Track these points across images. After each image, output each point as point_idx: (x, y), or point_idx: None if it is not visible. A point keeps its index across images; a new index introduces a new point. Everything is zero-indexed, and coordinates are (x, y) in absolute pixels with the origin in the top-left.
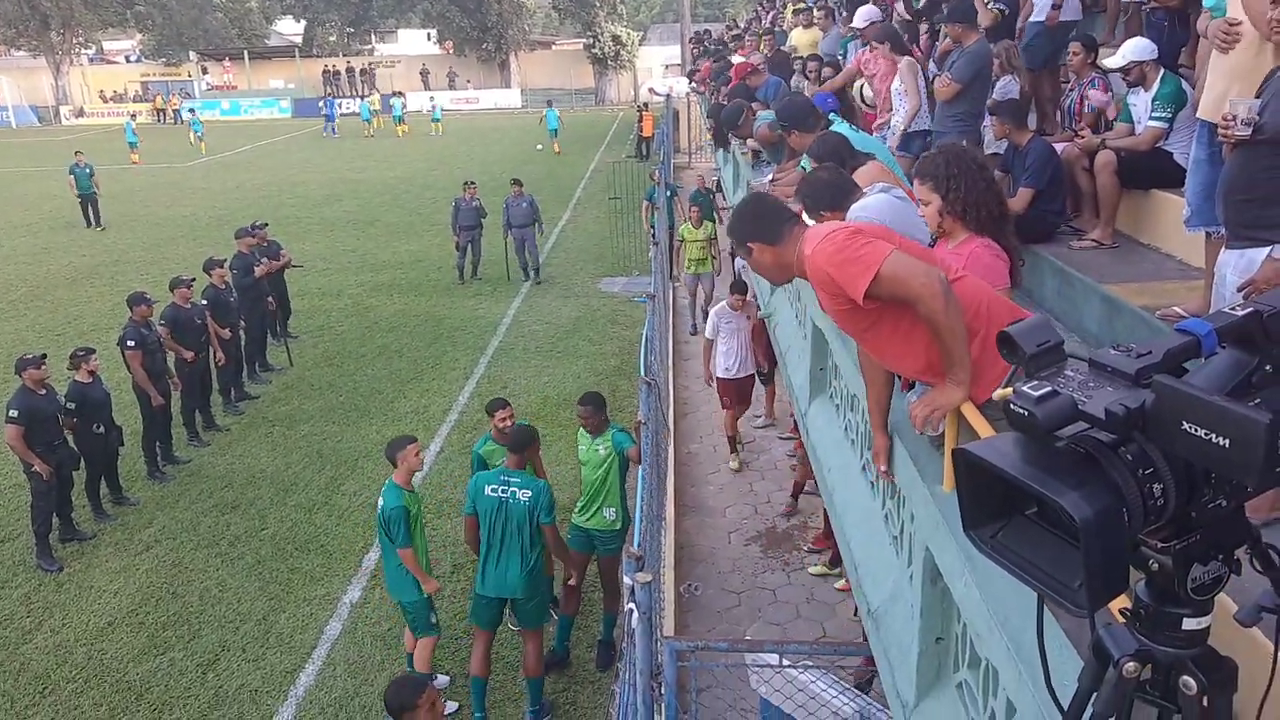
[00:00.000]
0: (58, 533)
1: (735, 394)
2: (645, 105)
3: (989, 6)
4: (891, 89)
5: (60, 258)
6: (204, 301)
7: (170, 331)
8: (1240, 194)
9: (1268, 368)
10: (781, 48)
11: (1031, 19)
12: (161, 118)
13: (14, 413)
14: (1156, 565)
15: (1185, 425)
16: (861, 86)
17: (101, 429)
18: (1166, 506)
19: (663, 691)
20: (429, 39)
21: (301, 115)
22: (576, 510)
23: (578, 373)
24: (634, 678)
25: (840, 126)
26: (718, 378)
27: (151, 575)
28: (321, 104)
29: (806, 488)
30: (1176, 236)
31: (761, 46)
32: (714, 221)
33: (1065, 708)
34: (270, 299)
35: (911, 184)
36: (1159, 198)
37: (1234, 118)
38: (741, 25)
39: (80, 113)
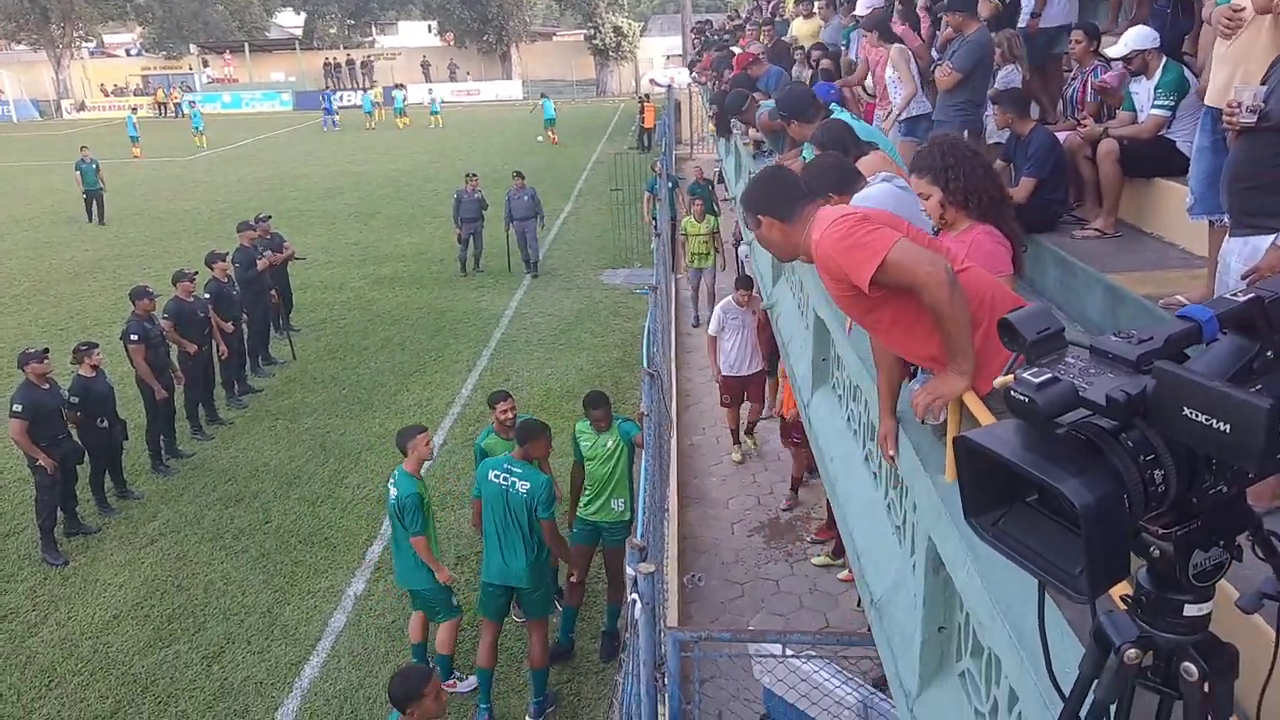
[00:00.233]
0: (63, 526)
1: (738, 391)
2: (646, 96)
3: None
4: (886, 77)
5: (63, 252)
6: (206, 295)
7: (174, 325)
8: (1245, 181)
9: (1269, 354)
10: (782, 38)
11: (1019, 23)
12: (163, 111)
13: (18, 407)
14: (1158, 552)
15: (1186, 411)
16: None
17: (105, 423)
18: (1168, 493)
19: (666, 682)
20: (429, 31)
21: (303, 108)
22: (582, 504)
23: (580, 365)
24: (637, 668)
25: (842, 115)
26: (722, 375)
27: (156, 568)
28: (321, 97)
29: (807, 480)
30: (1179, 225)
31: (761, 36)
32: (716, 215)
33: (1067, 695)
34: (273, 292)
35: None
36: (1162, 186)
37: (1239, 104)
38: (743, 15)
39: (81, 106)
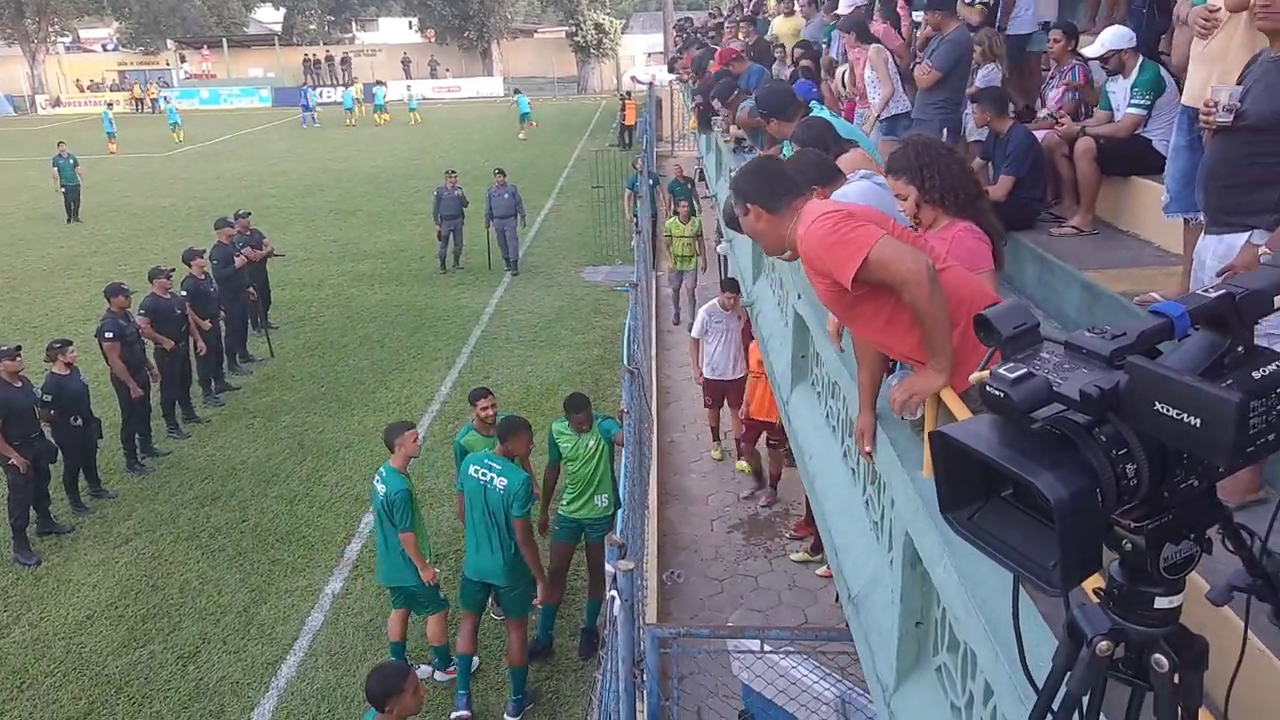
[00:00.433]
0: (35, 526)
1: (719, 395)
2: (628, 94)
3: (973, 5)
4: (865, 77)
5: (37, 249)
6: (184, 293)
7: (151, 322)
8: (1221, 180)
9: (1240, 349)
10: (764, 36)
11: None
12: (139, 107)
13: None
14: (1130, 545)
15: (1157, 406)
16: (843, 74)
17: (79, 421)
18: (1140, 487)
19: (645, 679)
20: (410, 27)
21: (281, 104)
22: (565, 503)
23: (561, 362)
24: (616, 665)
25: (822, 113)
26: (705, 378)
27: (131, 568)
28: (300, 94)
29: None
30: (1155, 223)
31: (740, 34)
32: (697, 214)
33: (1040, 687)
34: (251, 289)
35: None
36: (1138, 184)
37: (1215, 104)
38: (724, 13)
39: (57, 102)
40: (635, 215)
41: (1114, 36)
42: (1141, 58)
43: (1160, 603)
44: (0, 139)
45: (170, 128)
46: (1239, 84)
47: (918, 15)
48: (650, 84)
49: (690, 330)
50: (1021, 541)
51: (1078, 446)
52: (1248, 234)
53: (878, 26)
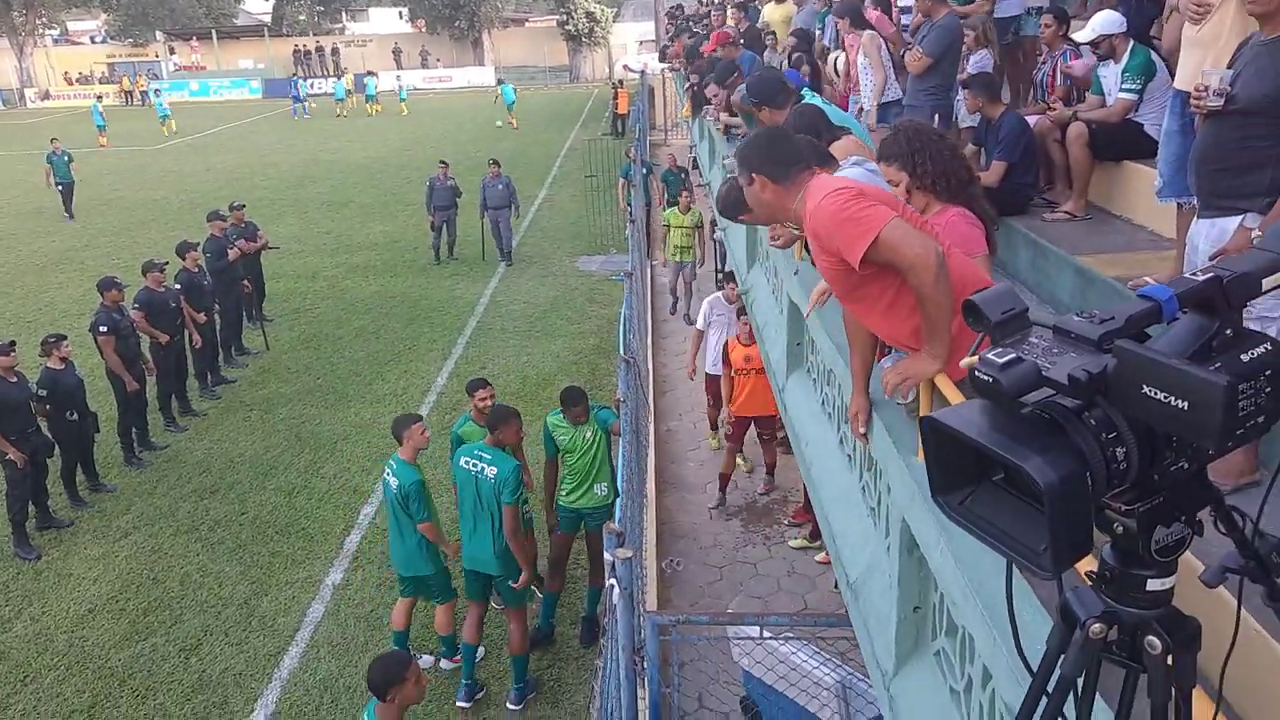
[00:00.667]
0: (35, 521)
1: (718, 389)
2: (620, 82)
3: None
4: (857, 64)
5: (29, 243)
6: (177, 286)
7: (145, 315)
8: (1213, 164)
9: (1228, 332)
10: (755, 24)
11: None
12: (129, 100)
13: None
14: (1121, 528)
15: (1145, 389)
16: (835, 60)
17: (75, 416)
18: (1129, 470)
19: (645, 666)
20: (400, 17)
21: (272, 96)
22: (564, 493)
23: (557, 352)
24: (616, 653)
25: (814, 100)
26: (706, 373)
27: (131, 561)
28: (291, 84)
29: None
30: (1148, 207)
31: (729, 20)
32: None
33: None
34: (246, 282)
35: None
36: (1130, 169)
37: (1206, 88)
38: (715, 0)
39: (46, 95)
40: (629, 204)
41: (1104, 21)
42: (1132, 42)
43: (1152, 585)
44: None
45: (160, 120)
46: (1229, 68)
47: (908, 1)
48: (642, 72)
49: (695, 322)
50: (1012, 525)
51: (1067, 431)
52: (1240, 217)
53: (871, 13)
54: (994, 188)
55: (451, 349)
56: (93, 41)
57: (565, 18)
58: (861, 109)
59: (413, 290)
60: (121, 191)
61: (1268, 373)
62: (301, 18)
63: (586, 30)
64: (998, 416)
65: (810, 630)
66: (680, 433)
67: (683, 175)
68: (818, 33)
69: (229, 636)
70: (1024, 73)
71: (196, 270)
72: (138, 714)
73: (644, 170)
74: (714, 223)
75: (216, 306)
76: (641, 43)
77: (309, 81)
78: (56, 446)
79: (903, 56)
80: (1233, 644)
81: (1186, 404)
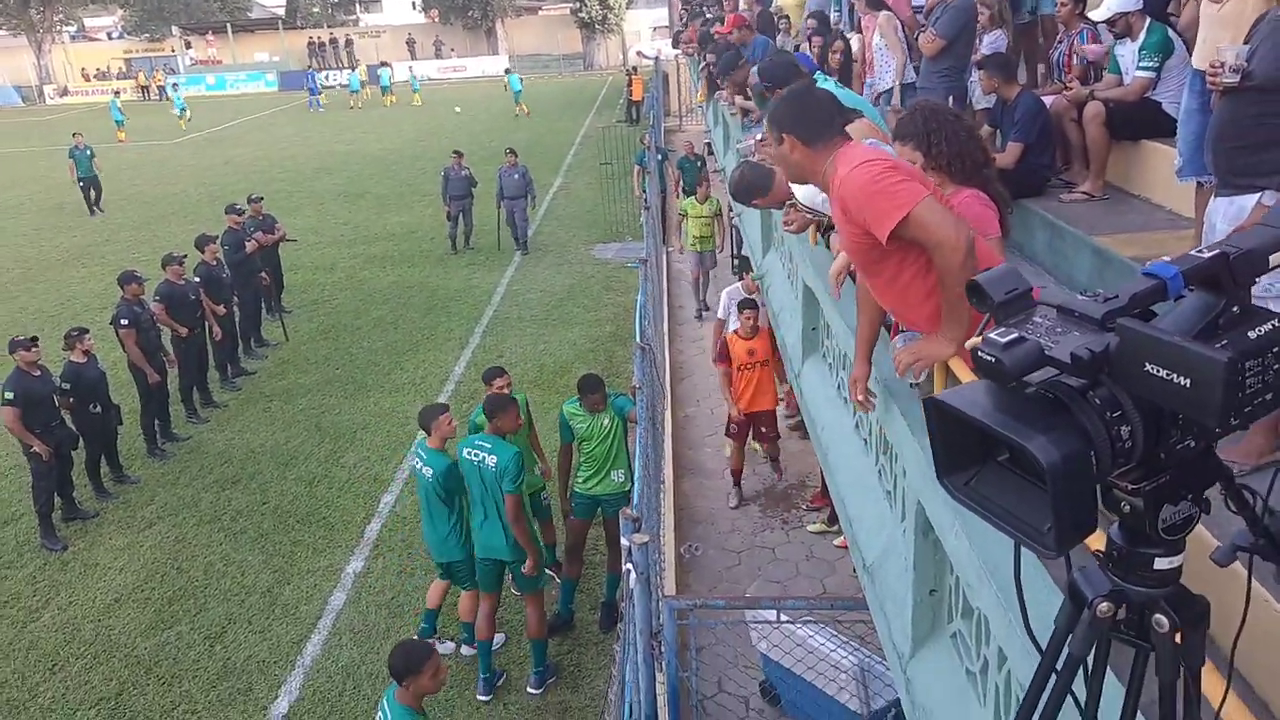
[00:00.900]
0: (60, 512)
1: None
2: (634, 69)
3: None
4: (873, 45)
5: (51, 238)
6: (197, 279)
7: (166, 308)
8: (1229, 141)
9: (1235, 309)
10: (768, 8)
11: None
12: (146, 94)
13: (9, 395)
14: (1128, 507)
15: (1148, 367)
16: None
17: (99, 408)
18: (1135, 448)
19: (662, 650)
20: (414, 7)
21: (288, 88)
22: (581, 480)
23: (574, 340)
24: (634, 637)
25: (826, 84)
26: None
27: (155, 551)
28: (306, 77)
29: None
30: (1166, 186)
31: (741, 4)
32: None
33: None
34: (264, 274)
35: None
36: (1148, 148)
37: (1222, 64)
38: None
39: (64, 91)
40: (644, 191)
41: None
42: (1149, 19)
43: (1160, 564)
44: (9, 130)
45: (178, 115)
46: (1245, 43)
47: None
48: (656, 58)
49: (710, 312)
50: (1017, 505)
51: (1071, 410)
52: (1258, 195)
53: None
54: (1010, 169)
55: (469, 338)
56: (109, 37)
57: (578, 5)
58: (879, 94)
59: (430, 280)
60: (141, 186)
61: (1276, 349)
62: (315, 9)
63: (600, 17)
64: (1001, 396)
65: (828, 614)
66: (698, 418)
67: (699, 163)
68: (834, 16)
69: (252, 624)
70: (1042, 52)
71: (215, 263)
72: (164, 701)
73: (659, 157)
74: (730, 208)
75: (235, 299)
76: (655, 29)
77: (324, 74)
78: (80, 439)
79: (916, 38)
80: (1242, 622)
81: (1188, 381)
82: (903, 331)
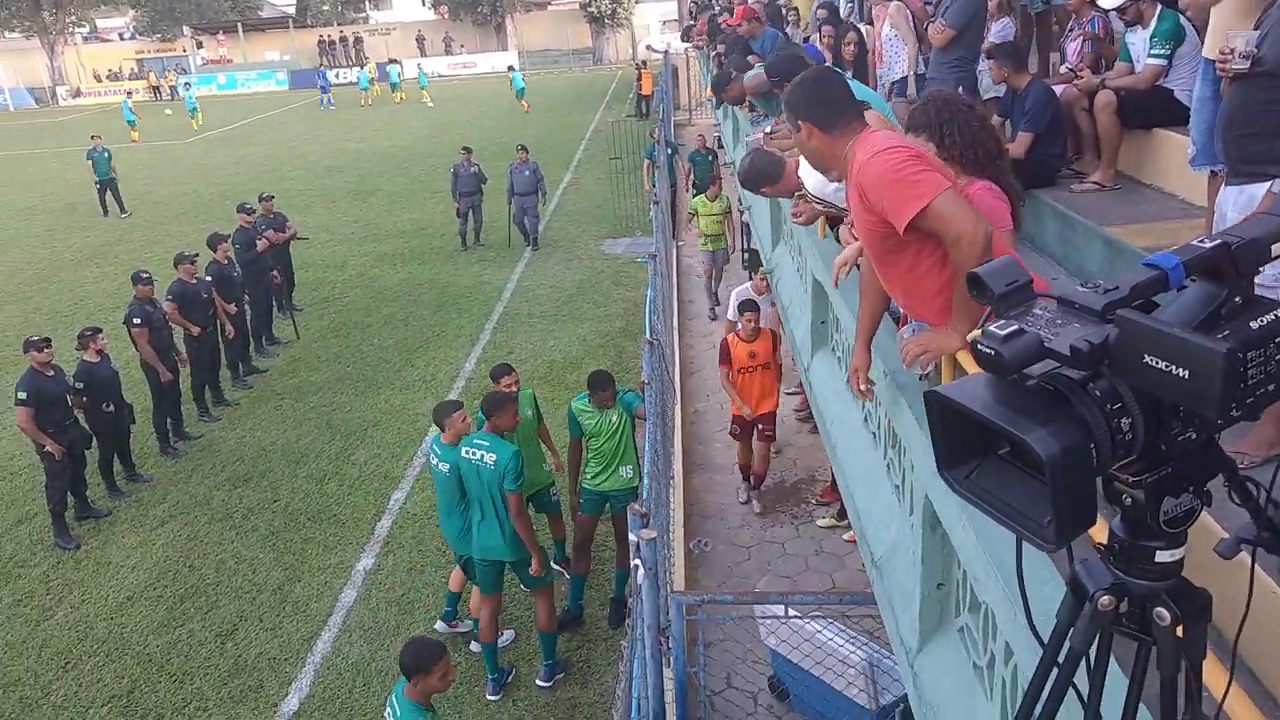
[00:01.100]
0: (74, 511)
1: None
2: (644, 63)
3: None
4: (883, 35)
5: (65, 239)
6: (209, 278)
7: (178, 307)
8: (1240, 129)
9: (1237, 299)
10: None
11: None
12: (158, 95)
13: (23, 394)
14: (1129, 499)
15: (1147, 358)
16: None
17: (111, 407)
18: (1135, 441)
19: (670, 645)
20: (423, 4)
21: (299, 87)
22: (589, 476)
23: (583, 336)
24: (642, 633)
25: None
26: None
27: (168, 549)
28: (317, 75)
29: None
30: (1178, 175)
31: None
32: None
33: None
34: (275, 272)
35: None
36: (1160, 137)
37: (1232, 50)
38: None
39: (77, 93)
40: (654, 185)
41: None
42: (1160, 7)
43: (1161, 556)
44: (23, 131)
45: (189, 115)
46: (1256, 29)
47: None
48: (666, 52)
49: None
50: (1018, 498)
51: (1071, 402)
52: (1269, 183)
53: None
54: (1020, 159)
55: (479, 334)
56: (121, 38)
57: (588, 0)
58: (890, 85)
59: (440, 277)
60: (153, 186)
61: (1278, 340)
62: (325, 8)
63: (609, 12)
64: (1001, 389)
65: (837, 608)
66: (708, 414)
67: (710, 156)
68: (844, 7)
69: (263, 622)
70: (1055, 42)
71: (226, 262)
72: (175, 698)
73: (669, 151)
74: (740, 201)
75: (246, 297)
76: (664, 23)
77: (335, 72)
78: (94, 438)
79: (925, 29)
80: (1245, 614)
81: (1187, 372)
82: (910, 322)
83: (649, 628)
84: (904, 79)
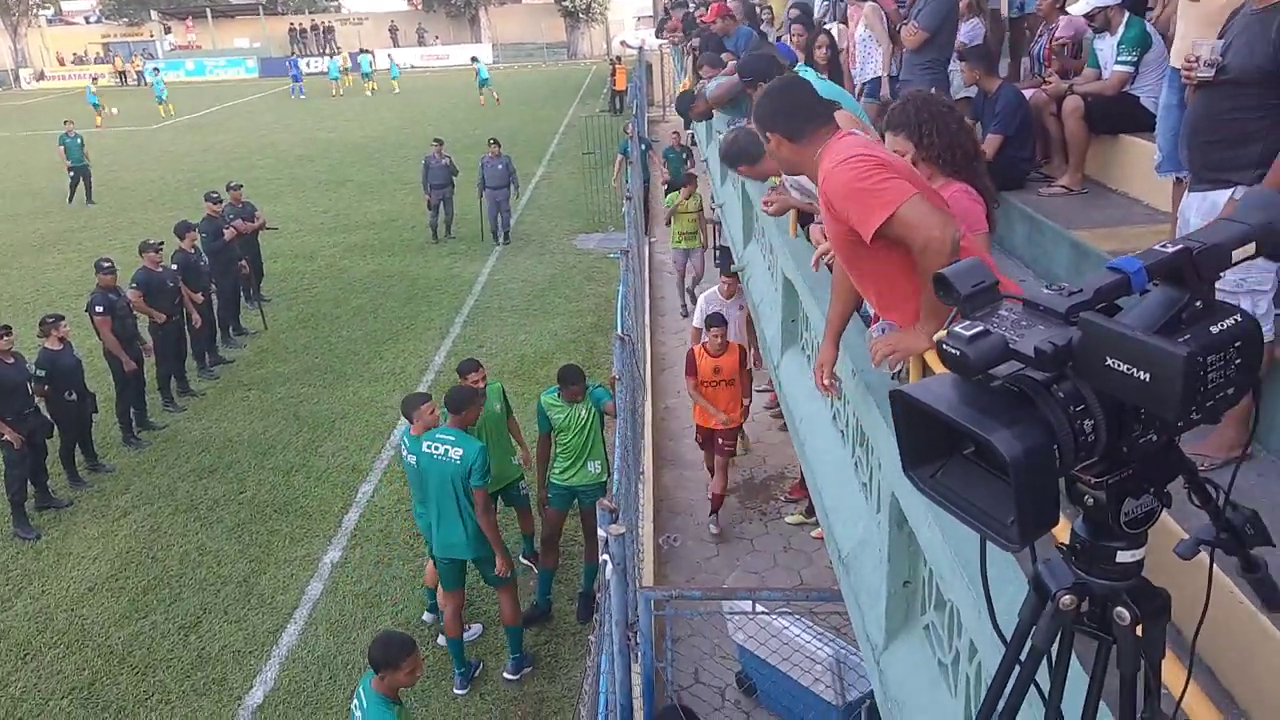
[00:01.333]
0: (34, 501)
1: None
2: (618, 59)
3: None
4: (857, 36)
5: (27, 224)
6: (174, 266)
7: (143, 295)
8: (1204, 136)
9: (1198, 304)
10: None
11: None
12: (124, 80)
13: None
14: (1091, 500)
15: (1109, 361)
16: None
17: (74, 396)
18: (1098, 442)
19: (638, 640)
20: None
21: (268, 75)
22: (557, 470)
23: (554, 330)
24: (610, 628)
25: (806, 75)
26: None
27: (130, 540)
28: (288, 64)
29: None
30: (1144, 181)
31: None
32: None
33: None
34: (243, 262)
35: (883, 137)
36: (1127, 142)
37: (1197, 59)
38: None
39: (40, 76)
40: (626, 181)
41: None
42: (1128, 14)
43: (1122, 557)
44: None
45: (158, 102)
46: (1220, 38)
47: None
48: (640, 48)
49: (692, 319)
50: (982, 498)
51: (1035, 404)
52: (1231, 190)
53: None
54: (990, 161)
55: (449, 328)
56: (87, 21)
57: None
58: (863, 86)
59: (410, 269)
60: (118, 172)
61: (1237, 344)
62: None
63: (584, 6)
64: (966, 390)
65: (804, 605)
66: (678, 410)
67: (685, 154)
68: (818, 6)
69: (228, 614)
70: (1027, 46)
71: (193, 251)
72: (137, 691)
73: (642, 146)
74: (713, 199)
75: (213, 287)
76: (639, 18)
77: (306, 61)
78: (55, 427)
79: (898, 31)
80: (1202, 616)
81: (1148, 375)
82: (880, 322)
83: (617, 623)
84: (877, 79)
